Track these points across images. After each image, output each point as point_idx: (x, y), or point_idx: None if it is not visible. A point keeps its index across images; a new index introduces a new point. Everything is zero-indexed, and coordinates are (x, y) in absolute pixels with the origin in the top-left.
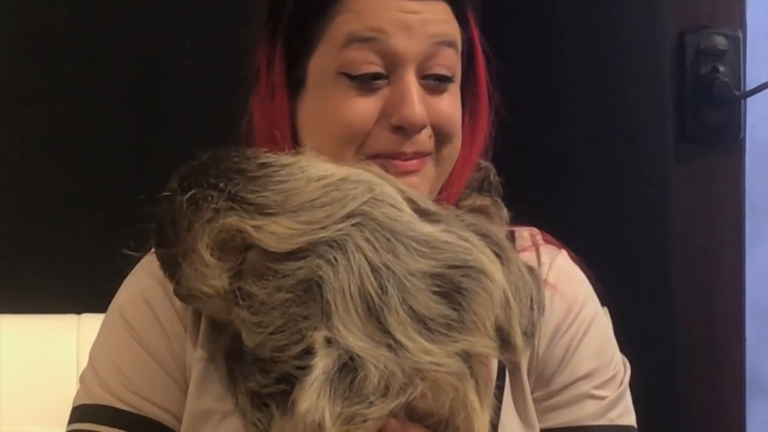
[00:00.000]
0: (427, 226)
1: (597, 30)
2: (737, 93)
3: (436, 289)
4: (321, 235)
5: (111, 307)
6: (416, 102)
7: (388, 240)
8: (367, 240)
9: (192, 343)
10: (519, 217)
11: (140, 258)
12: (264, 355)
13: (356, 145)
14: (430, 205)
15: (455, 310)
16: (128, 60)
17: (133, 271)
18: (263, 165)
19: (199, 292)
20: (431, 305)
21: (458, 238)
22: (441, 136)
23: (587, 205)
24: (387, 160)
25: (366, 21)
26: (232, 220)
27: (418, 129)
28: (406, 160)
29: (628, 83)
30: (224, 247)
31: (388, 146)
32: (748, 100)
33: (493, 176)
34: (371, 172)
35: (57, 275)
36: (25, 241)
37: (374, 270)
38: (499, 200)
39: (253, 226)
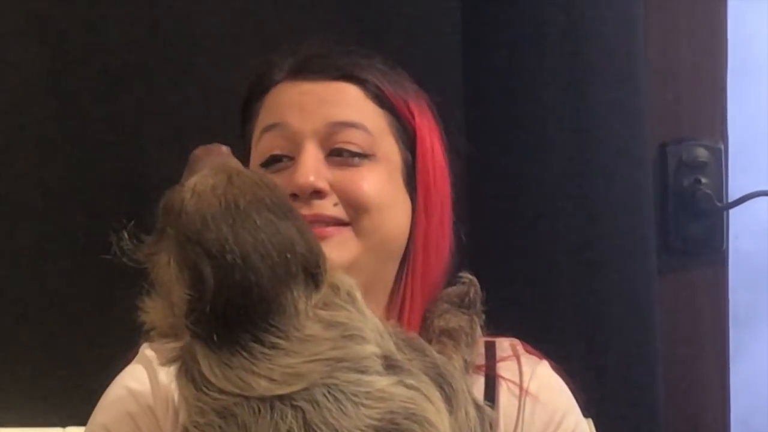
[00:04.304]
0: (384, 379)
1: (579, 141)
2: (719, 204)
3: None
4: (251, 394)
5: (90, 421)
6: (305, 168)
7: (337, 400)
8: (314, 402)
9: None
10: (502, 328)
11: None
12: None
13: None
14: (395, 352)
15: None
16: (116, 173)
17: (113, 382)
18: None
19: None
20: None
21: (406, 388)
22: (353, 206)
23: (570, 317)
24: None
25: (271, 111)
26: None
27: (306, 193)
28: (319, 227)
29: (610, 195)
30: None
31: None
32: (731, 211)
33: (474, 292)
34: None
35: (43, 388)
36: (10, 354)
37: (309, 429)
38: (476, 318)
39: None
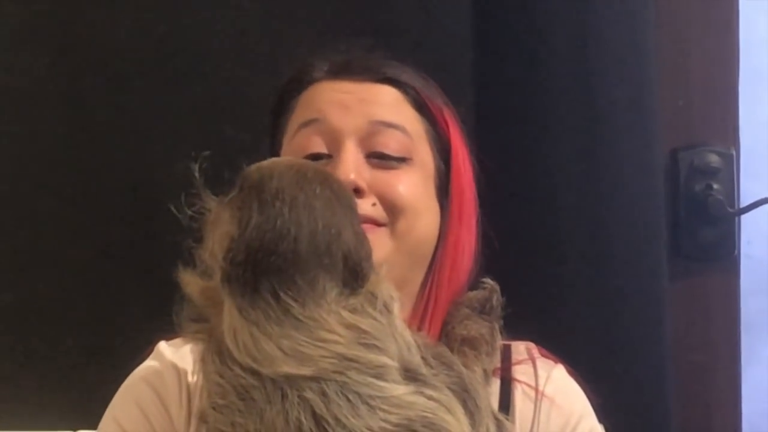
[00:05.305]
0: (401, 387)
1: (590, 147)
2: (731, 210)
3: None
4: (268, 373)
5: (104, 416)
6: (346, 165)
7: (349, 400)
8: (324, 395)
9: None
10: (512, 333)
11: None
12: None
13: None
14: (420, 365)
15: None
16: (124, 176)
17: (127, 378)
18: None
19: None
20: None
21: (426, 399)
22: (390, 207)
23: (580, 322)
24: None
25: (310, 107)
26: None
27: None
28: None
29: (622, 201)
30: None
31: None
32: (743, 216)
33: (496, 299)
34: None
35: (53, 391)
36: (21, 357)
37: (318, 423)
38: (497, 326)
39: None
